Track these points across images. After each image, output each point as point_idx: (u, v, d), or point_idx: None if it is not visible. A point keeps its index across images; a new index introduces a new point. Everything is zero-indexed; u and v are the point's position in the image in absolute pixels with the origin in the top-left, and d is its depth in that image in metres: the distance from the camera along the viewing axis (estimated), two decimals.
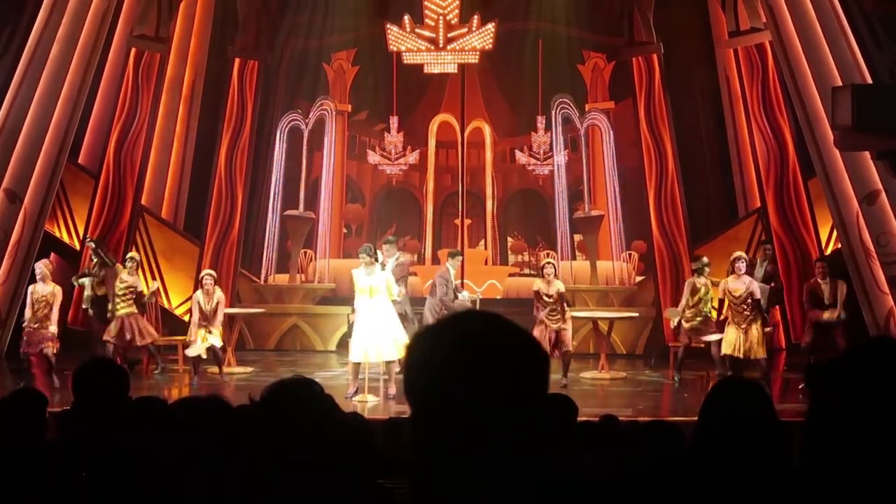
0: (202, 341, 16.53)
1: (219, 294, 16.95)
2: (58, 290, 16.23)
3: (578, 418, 6.64)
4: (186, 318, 20.15)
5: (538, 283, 16.59)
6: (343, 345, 17.65)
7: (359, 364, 15.04)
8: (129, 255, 17.96)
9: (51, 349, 15.82)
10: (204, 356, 16.72)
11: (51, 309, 16.00)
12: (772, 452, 3.43)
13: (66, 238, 20.21)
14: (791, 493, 2.35)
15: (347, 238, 24.52)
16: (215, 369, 17.27)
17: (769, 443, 3.48)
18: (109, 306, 17.19)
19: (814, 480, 2.17)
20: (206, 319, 16.62)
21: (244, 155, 22.11)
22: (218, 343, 16.79)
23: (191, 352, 16.66)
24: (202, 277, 17.20)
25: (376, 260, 15.18)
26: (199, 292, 16.94)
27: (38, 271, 16.38)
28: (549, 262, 16.94)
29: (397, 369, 14.97)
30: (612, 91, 23.22)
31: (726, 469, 3.42)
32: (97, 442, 4.40)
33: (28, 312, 16.12)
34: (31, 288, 16.37)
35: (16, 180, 18.48)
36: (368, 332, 14.79)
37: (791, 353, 19.24)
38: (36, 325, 15.95)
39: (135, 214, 20.79)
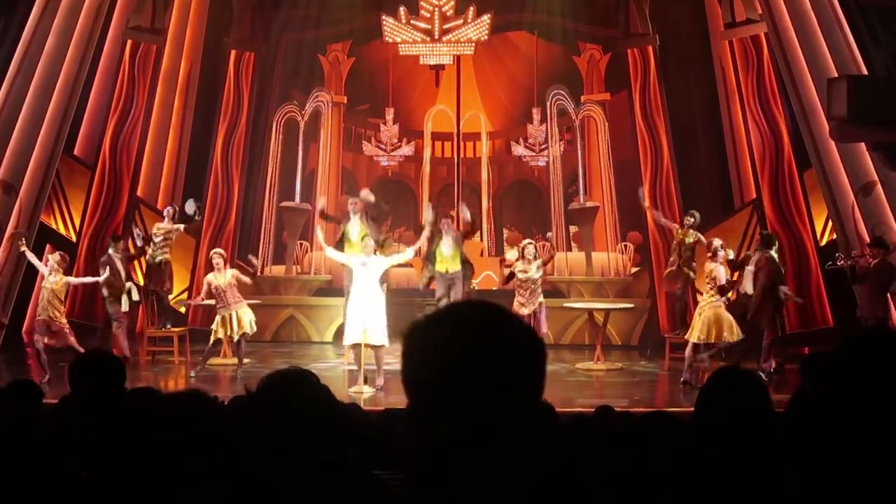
0: (225, 324, 16.18)
1: (231, 271, 16.53)
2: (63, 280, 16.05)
3: (574, 409, 6.65)
4: (182, 309, 20.12)
5: (517, 264, 16.52)
6: (339, 336, 17.63)
7: (359, 346, 15.04)
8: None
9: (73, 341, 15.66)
10: (234, 337, 16.26)
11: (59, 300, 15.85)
12: (767, 442, 3.44)
13: (62, 230, 20.18)
14: (784, 483, 2.36)
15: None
16: (224, 360, 17.25)
17: (765, 432, 3.49)
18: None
19: (804, 470, 2.18)
20: (222, 299, 16.32)
21: (240, 146, 22.11)
22: (249, 330, 16.34)
23: (215, 335, 16.26)
24: (211, 257, 16.82)
25: (376, 251, 15.29)
26: (209, 275, 16.57)
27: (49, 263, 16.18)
28: (530, 242, 16.95)
29: (387, 358, 15.01)
30: (608, 82, 23.20)
31: (723, 458, 3.43)
32: (91, 432, 4.41)
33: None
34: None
35: (11, 172, 18.46)
36: (362, 314, 14.83)
37: (786, 344, 19.27)
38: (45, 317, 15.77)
39: (131, 206, 20.77)
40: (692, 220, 17.93)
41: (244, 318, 16.20)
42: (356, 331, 14.95)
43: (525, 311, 16.03)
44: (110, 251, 17.45)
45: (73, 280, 16.62)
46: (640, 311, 20.22)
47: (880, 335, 2.23)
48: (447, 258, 17.81)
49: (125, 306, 17.26)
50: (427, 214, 17.94)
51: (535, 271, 16.30)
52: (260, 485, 2.80)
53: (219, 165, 21.86)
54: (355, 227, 18.26)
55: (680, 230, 18.11)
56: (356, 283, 15.21)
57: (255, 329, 16.50)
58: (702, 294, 15.98)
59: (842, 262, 16.23)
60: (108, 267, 16.94)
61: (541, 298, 16.46)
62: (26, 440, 4.82)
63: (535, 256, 16.56)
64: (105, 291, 17.07)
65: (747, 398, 3.68)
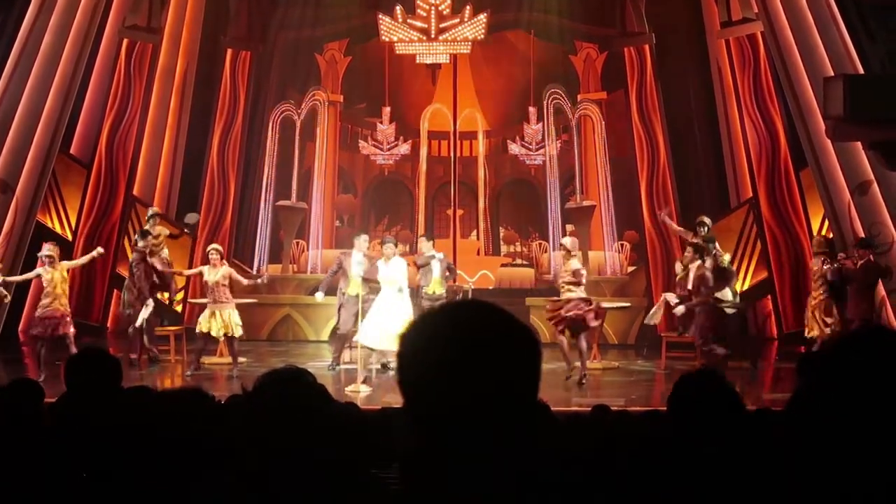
0: (211, 319, 16.11)
1: (225, 269, 16.37)
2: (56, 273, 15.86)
3: (571, 408, 6.65)
4: (179, 308, 20.12)
5: (577, 263, 15.90)
6: (336, 335, 17.59)
7: (370, 351, 15.20)
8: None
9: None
10: (217, 335, 16.17)
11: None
12: (739, 437, 3.46)
13: (58, 228, 20.17)
14: (778, 482, 2.37)
15: (339, 228, 24.54)
16: (220, 359, 17.20)
17: (735, 428, 3.51)
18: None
19: (797, 468, 2.18)
20: (212, 294, 16.17)
21: (236, 145, 22.11)
22: (238, 332, 16.25)
23: (200, 328, 16.15)
24: (207, 252, 16.75)
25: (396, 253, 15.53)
26: (205, 267, 16.52)
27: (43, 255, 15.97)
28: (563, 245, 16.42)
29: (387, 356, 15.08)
30: (605, 81, 23.22)
31: (720, 456, 3.44)
32: (87, 431, 4.41)
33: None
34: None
35: (8, 171, 18.45)
36: (381, 321, 14.92)
37: (783, 343, 19.30)
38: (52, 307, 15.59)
39: (127, 204, 20.76)
40: (706, 227, 17.58)
41: (230, 319, 16.09)
42: (371, 335, 15.01)
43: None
44: (142, 246, 17.22)
45: (70, 263, 16.36)
46: (636, 309, 20.21)
47: (878, 334, 2.22)
48: (436, 281, 17.32)
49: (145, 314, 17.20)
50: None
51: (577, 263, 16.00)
52: (257, 484, 2.80)
53: (215, 164, 21.86)
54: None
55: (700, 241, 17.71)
56: (382, 288, 15.48)
57: (240, 332, 16.39)
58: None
59: (826, 265, 16.29)
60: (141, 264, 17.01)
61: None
62: (27, 438, 4.82)
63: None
64: (133, 294, 16.98)
65: (714, 398, 3.70)
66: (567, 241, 16.39)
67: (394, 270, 15.61)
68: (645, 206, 21.06)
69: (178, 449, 3.17)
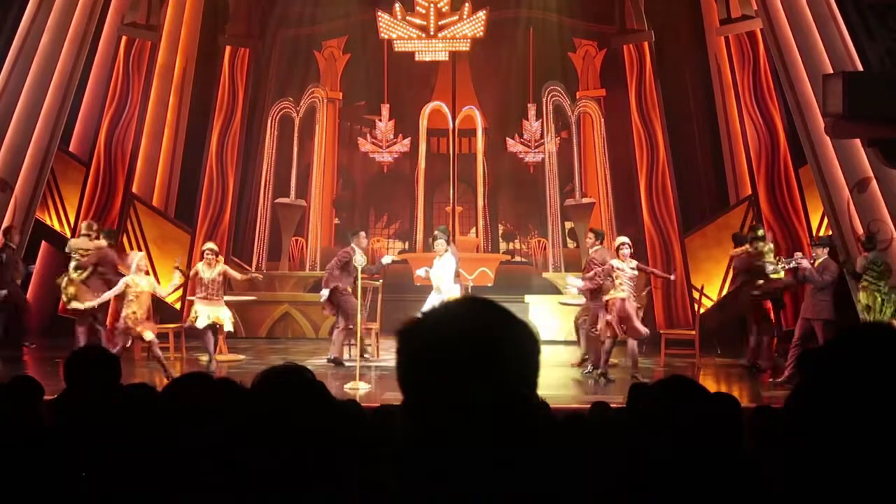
0: (203, 316, 16.03)
1: (221, 266, 16.42)
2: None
3: (570, 406, 6.64)
4: (178, 305, 20.11)
5: (615, 262, 15.70)
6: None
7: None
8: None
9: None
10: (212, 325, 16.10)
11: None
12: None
13: (56, 226, 20.15)
14: (769, 477, 2.36)
15: (339, 226, 24.55)
16: (218, 357, 17.14)
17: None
18: None
19: (797, 465, 2.18)
20: (207, 290, 16.26)
21: (235, 143, 22.11)
22: (228, 327, 16.36)
23: (200, 323, 15.97)
24: (203, 251, 16.70)
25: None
26: (199, 264, 16.52)
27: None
28: (625, 243, 15.98)
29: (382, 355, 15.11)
30: (604, 79, 23.22)
31: (722, 456, 3.44)
32: (87, 429, 4.40)
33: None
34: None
35: (6, 169, 18.41)
36: None
37: (782, 341, 19.28)
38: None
39: (126, 202, 20.75)
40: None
41: (221, 315, 16.12)
42: None
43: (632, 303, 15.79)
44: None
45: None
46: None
47: (878, 332, 2.22)
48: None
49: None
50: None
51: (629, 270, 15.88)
52: (257, 483, 2.79)
53: (214, 162, 21.86)
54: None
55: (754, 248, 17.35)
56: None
57: (230, 327, 16.46)
58: None
59: (783, 266, 16.19)
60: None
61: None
62: (27, 437, 4.82)
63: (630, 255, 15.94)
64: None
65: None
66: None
67: (440, 269, 15.50)
68: (644, 204, 21.06)
69: (177, 448, 3.17)
